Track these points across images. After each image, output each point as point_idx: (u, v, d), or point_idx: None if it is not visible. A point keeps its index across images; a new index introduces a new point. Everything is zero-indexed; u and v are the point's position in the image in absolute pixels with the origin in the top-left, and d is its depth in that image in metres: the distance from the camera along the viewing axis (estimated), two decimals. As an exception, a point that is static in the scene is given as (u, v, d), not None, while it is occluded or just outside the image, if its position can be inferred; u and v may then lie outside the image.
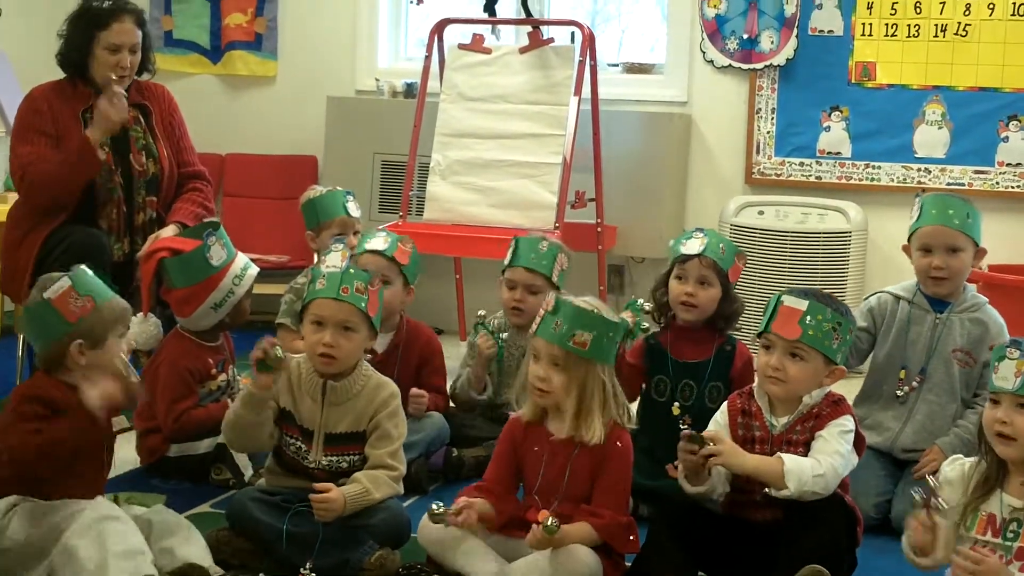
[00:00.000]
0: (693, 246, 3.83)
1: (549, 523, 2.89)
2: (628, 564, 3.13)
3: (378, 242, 4.14)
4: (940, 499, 2.76)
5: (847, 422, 3.16)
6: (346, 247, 3.56)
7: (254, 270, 4.12)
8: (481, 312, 4.31)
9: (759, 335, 3.19)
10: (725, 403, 3.30)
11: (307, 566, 3.10)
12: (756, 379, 3.25)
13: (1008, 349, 2.74)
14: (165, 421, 3.93)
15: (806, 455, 3.12)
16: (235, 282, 4.03)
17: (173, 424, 3.92)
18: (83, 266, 3.12)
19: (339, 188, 4.68)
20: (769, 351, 3.15)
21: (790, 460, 3.04)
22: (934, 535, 2.75)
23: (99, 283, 3.11)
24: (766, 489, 3.06)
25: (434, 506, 3.04)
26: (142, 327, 4.06)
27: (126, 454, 4.04)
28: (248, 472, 3.86)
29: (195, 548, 3.07)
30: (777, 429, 3.18)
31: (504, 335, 4.22)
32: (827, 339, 3.12)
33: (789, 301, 3.13)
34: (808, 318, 3.10)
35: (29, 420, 2.94)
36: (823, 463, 3.05)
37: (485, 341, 4.19)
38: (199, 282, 3.99)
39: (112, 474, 3.77)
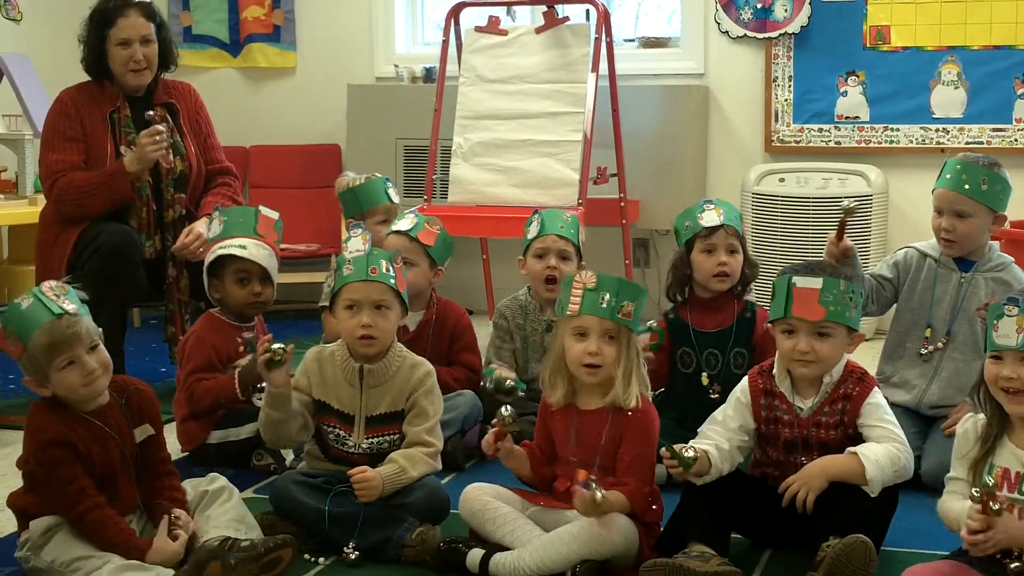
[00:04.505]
0: (712, 217, 3.87)
1: (598, 493, 2.94)
2: (662, 530, 3.18)
3: (404, 223, 4.19)
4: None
5: (880, 398, 3.18)
6: (365, 231, 3.61)
7: (211, 255, 4.11)
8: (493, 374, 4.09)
9: (774, 321, 3.17)
10: (745, 381, 3.28)
11: (350, 545, 3.18)
12: (776, 364, 3.23)
13: (1006, 307, 2.73)
14: (180, 389, 4.05)
15: (839, 437, 3.15)
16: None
17: (184, 391, 4.02)
18: None
19: (377, 175, 4.71)
20: (792, 335, 3.13)
21: (871, 467, 3.00)
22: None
23: None
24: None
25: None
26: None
27: (169, 444, 4.13)
28: (289, 457, 3.93)
29: (231, 513, 3.16)
30: (804, 412, 3.18)
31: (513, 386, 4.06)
32: (847, 310, 3.11)
33: (803, 282, 3.10)
34: (826, 295, 3.08)
35: (56, 477, 3.00)
36: (900, 455, 3.06)
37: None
38: None
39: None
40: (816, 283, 3.10)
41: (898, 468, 3.06)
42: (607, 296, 3.08)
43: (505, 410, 3.14)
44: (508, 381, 3.98)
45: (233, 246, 4.06)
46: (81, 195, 4.58)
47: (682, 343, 3.94)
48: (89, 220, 4.58)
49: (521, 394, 3.99)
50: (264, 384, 3.83)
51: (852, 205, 3.77)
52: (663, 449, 3.06)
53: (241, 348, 4.09)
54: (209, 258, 4.10)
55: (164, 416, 3.34)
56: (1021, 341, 2.71)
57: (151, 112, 4.63)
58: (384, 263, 3.36)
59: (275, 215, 4.19)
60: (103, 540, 2.98)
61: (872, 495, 3.03)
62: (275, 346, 3.30)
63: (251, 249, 4.06)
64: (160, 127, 4.58)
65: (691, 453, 3.05)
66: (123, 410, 3.13)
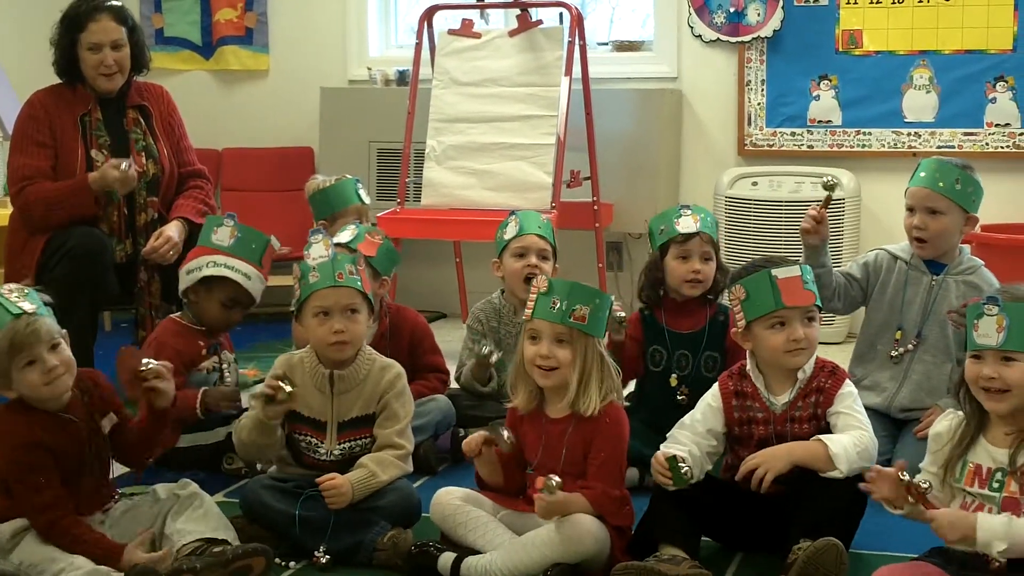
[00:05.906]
0: (689, 224, 3.86)
1: (552, 482, 2.93)
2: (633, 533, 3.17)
3: (345, 235, 4.13)
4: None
5: (852, 388, 3.21)
6: (326, 236, 3.59)
7: (213, 268, 4.00)
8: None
9: (755, 319, 3.18)
10: (716, 386, 3.30)
11: (321, 549, 3.17)
12: (749, 363, 3.26)
13: (986, 306, 2.74)
14: None
15: (811, 431, 3.15)
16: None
17: None
18: None
19: (348, 176, 4.69)
20: (783, 327, 3.15)
21: (835, 445, 3.04)
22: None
23: None
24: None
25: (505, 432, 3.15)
26: None
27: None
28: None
29: (205, 524, 3.12)
30: (778, 407, 3.21)
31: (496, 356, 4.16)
32: (816, 291, 3.23)
33: (784, 272, 3.16)
34: (806, 279, 3.17)
35: (28, 483, 2.99)
36: (864, 438, 3.09)
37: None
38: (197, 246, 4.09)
39: (126, 469, 3.84)
40: (795, 271, 3.18)
41: (861, 449, 3.07)
42: (557, 301, 3.09)
43: (506, 433, 3.14)
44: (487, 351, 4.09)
45: (240, 273, 3.99)
46: (47, 209, 4.56)
47: (654, 341, 3.94)
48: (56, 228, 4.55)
49: (495, 357, 4.10)
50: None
51: (832, 181, 3.87)
52: (662, 456, 3.08)
53: (203, 352, 4.04)
54: (211, 271, 3.98)
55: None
56: (1001, 340, 2.72)
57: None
58: (349, 267, 3.36)
59: (280, 248, 4.16)
60: (74, 545, 2.96)
61: (841, 476, 3.02)
62: (287, 389, 3.25)
63: (254, 282, 4.02)
64: (134, 166, 4.55)
65: (686, 471, 3.05)
66: (86, 405, 3.11)
